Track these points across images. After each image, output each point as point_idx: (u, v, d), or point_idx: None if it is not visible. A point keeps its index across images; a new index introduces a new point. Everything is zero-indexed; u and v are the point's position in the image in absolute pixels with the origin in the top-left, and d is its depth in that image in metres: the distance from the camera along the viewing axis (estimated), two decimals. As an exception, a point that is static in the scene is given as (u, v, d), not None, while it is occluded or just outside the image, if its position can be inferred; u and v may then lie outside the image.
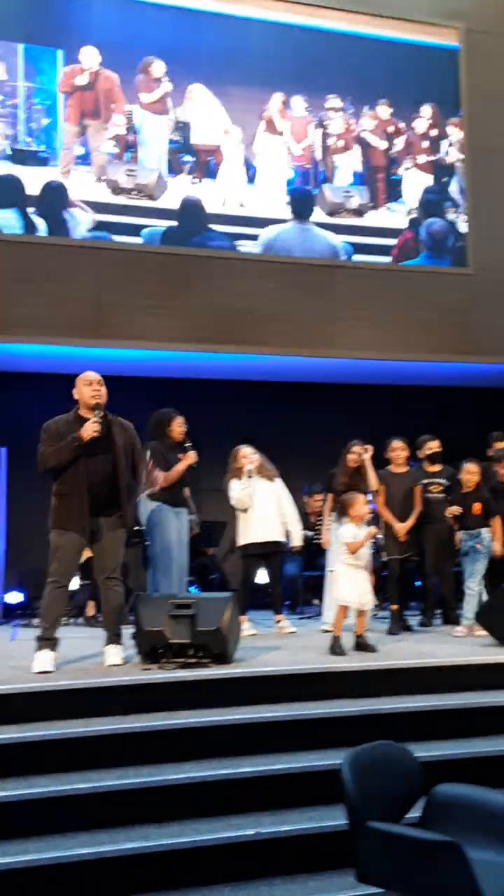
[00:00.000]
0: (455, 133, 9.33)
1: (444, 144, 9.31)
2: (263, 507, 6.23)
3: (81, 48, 8.18)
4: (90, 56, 8.19)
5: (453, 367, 9.15)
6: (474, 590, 5.91)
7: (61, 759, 3.63)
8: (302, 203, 8.75)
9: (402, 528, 6.25)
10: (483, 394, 9.69)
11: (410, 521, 6.30)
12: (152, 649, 4.54)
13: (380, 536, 5.07)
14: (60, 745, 3.66)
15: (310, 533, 7.47)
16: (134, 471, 4.87)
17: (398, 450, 6.44)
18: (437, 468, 6.65)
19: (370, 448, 6.36)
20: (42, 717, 3.83)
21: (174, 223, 8.31)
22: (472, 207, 9.22)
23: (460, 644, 5.44)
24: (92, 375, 4.76)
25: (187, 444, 6.01)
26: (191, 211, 8.38)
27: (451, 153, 9.31)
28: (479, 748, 3.96)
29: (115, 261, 8.05)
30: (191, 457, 5.95)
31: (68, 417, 4.74)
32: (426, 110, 9.24)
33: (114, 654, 4.69)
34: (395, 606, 6.19)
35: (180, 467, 5.94)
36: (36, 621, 7.43)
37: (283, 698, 4.16)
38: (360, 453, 6.29)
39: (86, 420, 4.65)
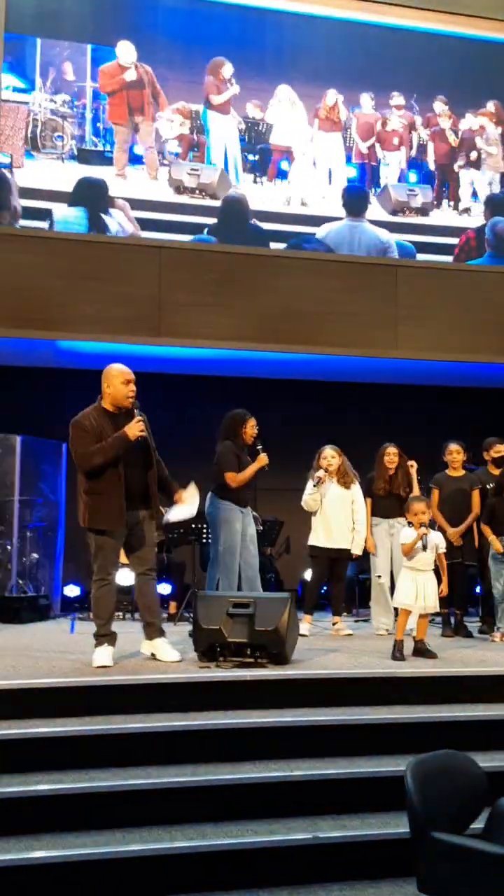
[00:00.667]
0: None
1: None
2: (333, 513, 6.18)
3: (118, 43, 8.16)
4: (128, 51, 8.18)
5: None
6: None
7: (118, 754, 3.65)
8: (356, 200, 8.67)
9: (454, 532, 6.14)
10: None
11: (464, 525, 6.20)
12: (210, 647, 4.54)
13: (437, 538, 5.01)
14: (118, 741, 3.69)
15: None
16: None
17: (454, 453, 6.35)
18: (498, 471, 6.52)
19: (413, 463, 6.40)
20: (102, 712, 3.86)
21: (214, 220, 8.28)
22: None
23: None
24: (129, 373, 4.65)
25: (259, 447, 5.99)
26: (233, 208, 8.34)
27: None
28: (544, 760, 3.85)
29: (175, 259, 8.09)
30: (263, 459, 5.92)
31: (95, 412, 4.61)
32: (491, 106, 9.06)
33: (168, 649, 4.69)
34: (444, 610, 6.08)
35: (252, 469, 5.91)
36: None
37: (341, 702, 4.12)
38: (395, 455, 6.29)
39: (114, 415, 4.60)
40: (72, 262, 7.83)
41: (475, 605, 7.24)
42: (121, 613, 7.35)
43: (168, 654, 4.67)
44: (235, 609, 4.57)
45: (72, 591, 8.13)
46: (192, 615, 4.99)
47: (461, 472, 6.40)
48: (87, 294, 7.80)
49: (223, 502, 5.93)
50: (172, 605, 7.35)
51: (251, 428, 6.05)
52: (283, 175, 8.54)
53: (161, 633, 4.75)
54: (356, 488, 6.27)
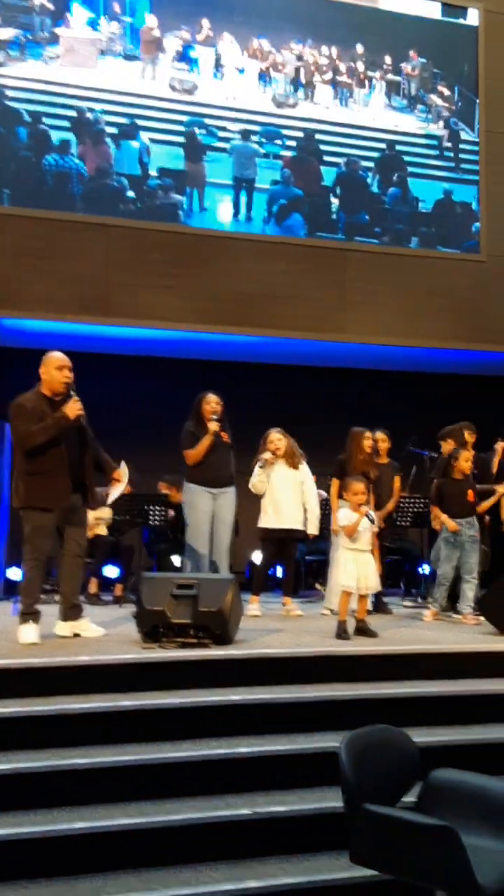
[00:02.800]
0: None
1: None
2: (282, 494, 6.22)
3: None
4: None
5: (462, 355, 9.10)
6: (476, 580, 6.02)
7: (59, 734, 3.64)
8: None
9: (380, 514, 6.24)
10: (491, 382, 9.65)
11: (386, 510, 6.40)
12: (153, 628, 4.55)
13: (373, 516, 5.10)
14: (58, 721, 3.68)
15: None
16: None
17: (380, 441, 6.51)
18: (439, 455, 6.70)
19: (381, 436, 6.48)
20: (40, 693, 3.84)
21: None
22: (486, 194, 9.13)
23: (461, 631, 5.44)
24: (65, 360, 4.76)
25: (213, 419, 6.02)
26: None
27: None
28: (477, 735, 3.97)
29: (123, 239, 8.00)
30: (211, 426, 5.97)
31: (35, 396, 4.69)
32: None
33: (93, 626, 4.87)
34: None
35: (204, 443, 5.97)
36: (43, 597, 7.48)
37: (282, 681, 4.17)
38: (374, 440, 6.37)
39: (52, 400, 4.68)
40: (17, 239, 7.70)
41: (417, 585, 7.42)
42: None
43: (94, 630, 4.83)
44: (179, 590, 4.59)
45: (16, 573, 8.03)
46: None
47: (386, 460, 6.61)
48: (32, 273, 7.68)
49: (188, 485, 6.07)
50: (118, 588, 7.34)
51: (207, 404, 6.09)
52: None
53: (79, 616, 4.90)
54: (304, 468, 6.32)
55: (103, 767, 3.49)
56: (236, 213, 8.47)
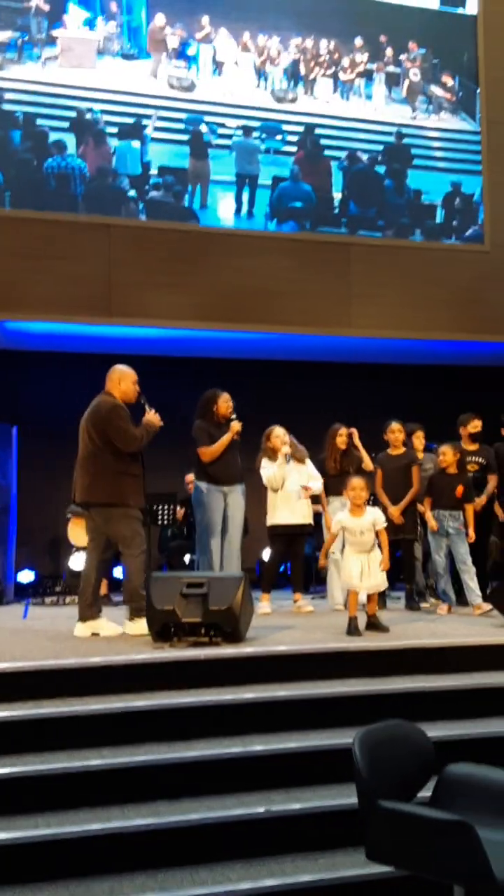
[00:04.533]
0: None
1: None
2: (290, 490, 6.21)
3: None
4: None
5: (467, 346, 9.06)
6: (472, 567, 6.02)
7: (72, 736, 3.63)
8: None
9: (395, 509, 6.22)
10: (497, 373, 9.60)
11: (404, 502, 6.29)
12: (164, 628, 4.54)
13: (377, 514, 5.10)
14: (72, 723, 3.67)
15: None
16: None
17: (396, 432, 6.44)
18: (475, 447, 6.65)
19: (353, 430, 6.50)
20: (53, 695, 3.83)
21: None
22: (489, 184, 9.08)
23: (473, 624, 5.42)
24: (134, 373, 5.21)
25: (233, 418, 6.09)
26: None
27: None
28: (492, 728, 3.94)
29: (125, 238, 7.99)
30: (234, 426, 6.07)
31: (118, 402, 5.10)
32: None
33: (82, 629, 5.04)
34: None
35: (224, 440, 6.03)
36: (48, 600, 7.50)
37: (295, 677, 4.15)
38: (347, 435, 6.38)
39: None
40: (19, 241, 7.69)
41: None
42: (76, 598, 7.31)
43: (111, 629, 5.03)
44: (189, 589, 4.57)
45: (26, 576, 8.05)
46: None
47: (402, 450, 6.49)
48: (35, 274, 7.68)
49: (200, 483, 6.10)
50: (104, 585, 7.30)
51: (223, 403, 6.14)
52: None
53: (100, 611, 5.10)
54: (310, 464, 6.32)
55: (117, 768, 3.48)
56: (238, 210, 8.45)
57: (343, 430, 6.47)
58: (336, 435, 6.46)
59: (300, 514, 6.23)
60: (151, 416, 5.16)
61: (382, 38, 8.97)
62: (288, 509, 6.22)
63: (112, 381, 5.20)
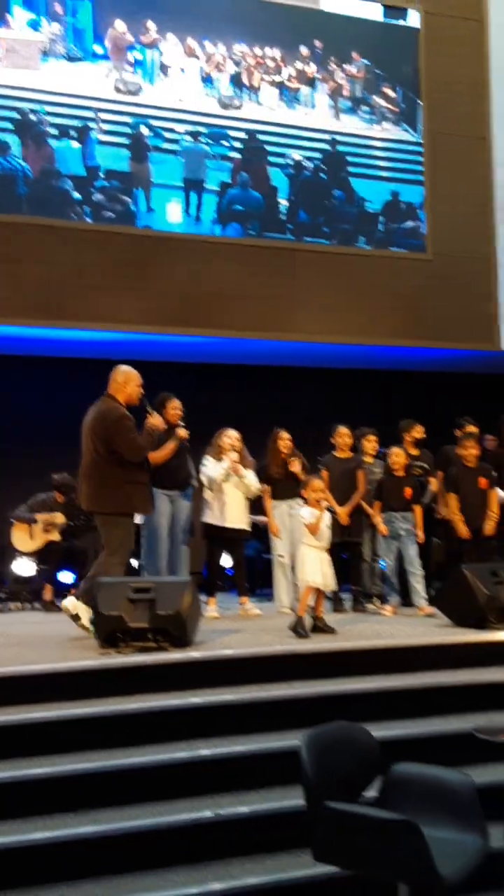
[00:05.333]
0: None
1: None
2: (231, 494, 6.22)
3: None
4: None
5: (410, 352, 9.22)
6: (420, 570, 6.15)
7: (19, 743, 3.59)
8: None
9: (342, 511, 6.30)
10: (438, 378, 9.80)
11: (350, 504, 6.37)
12: (111, 633, 4.51)
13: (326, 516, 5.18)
14: (17, 731, 3.63)
15: (263, 518, 7.48)
16: None
17: (343, 435, 6.51)
18: (417, 452, 6.77)
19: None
20: (1, 703, 3.78)
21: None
22: (431, 193, 9.26)
23: (417, 625, 5.51)
24: (138, 375, 5.14)
25: (179, 425, 6.09)
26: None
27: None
28: (435, 727, 4.02)
29: (70, 240, 7.93)
30: (180, 433, 6.06)
31: (121, 407, 5.01)
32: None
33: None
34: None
35: (169, 447, 6.00)
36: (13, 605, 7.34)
37: (243, 681, 4.17)
38: (289, 439, 6.42)
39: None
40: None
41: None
42: (20, 604, 7.22)
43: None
44: (136, 594, 4.55)
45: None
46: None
47: (349, 454, 6.57)
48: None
49: None
50: (73, 594, 7.24)
51: (172, 409, 6.15)
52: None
53: None
54: (251, 473, 6.32)
55: (63, 776, 3.45)
56: (186, 214, 8.45)
57: (284, 434, 6.49)
58: (278, 439, 6.48)
59: (237, 518, 6.24)
60: (154, 420, 5.10)
61: (326, 48, 9.08)
62: (222, 512, 6.23)
63: (116, 382, 5.06)
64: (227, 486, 6.20)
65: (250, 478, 6.25)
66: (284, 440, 6.48)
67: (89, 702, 3.86)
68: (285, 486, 6.42)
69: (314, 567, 5.10)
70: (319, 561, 5.11)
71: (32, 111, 8.04)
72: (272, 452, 6.49)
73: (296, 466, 6.36)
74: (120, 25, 8.35)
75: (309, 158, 8.97)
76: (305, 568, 5.19)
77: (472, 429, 6.97)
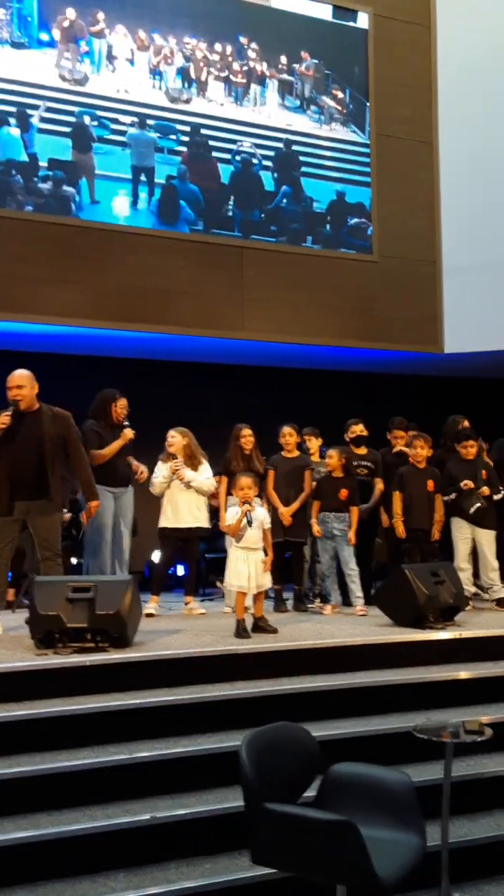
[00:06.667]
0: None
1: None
2: (181, 494, 6.15)
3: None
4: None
5: (355, 353, 9.27)
6: (355, 570, 6.18)
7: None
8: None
9: (286, 511, 6.30)
10: (382, 379, 9.88)
11: (295, 504, 6.36)
12: (48, 634, 4.41)
13: (262, 514, 5.14)
14: None
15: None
16: (68, 458, 5.08)
17: (287, 435, 6.51)
18: (363, 451, 6.77)
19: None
20: None
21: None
22: (378, 195, 9.33)
23: (358, 624, 5.53)
24: (11, 380, 4.99)
25: (125, 424, 6.04)
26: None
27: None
28: (375, 726, 4.03)
29: (14, 230, 7.74)
30: (127, 434, 6.01)
31: None
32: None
33: None
34: (278, 587, 6.25)
35: (115, 445, 5.97)
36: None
37: (182, 682, 4.13)
38: (251, 436, 6.37)
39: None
40: None
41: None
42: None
43: None
44: (75, 594, 4.46)
45: None
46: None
47: (295, 454, 6.58)
48: None
49: None
50: (10, 593, 7.08)
51: (120, 407, 6.12)
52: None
53: None
54: (203, 469, 6.27)
55: (-4, 780, 3.35)
56: (132, 207, 8.34)
57: (247, 431, 6.43)
58: (240, 436, 6.41)
59: (190, 517, 6.19)
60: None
61: (276, 45, 9.06)
62: (175, 513, 6.17)
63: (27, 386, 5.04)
64: (179, 487, 6.13)
65: (199, 478, 6.18)
66: (246, 436, 6.40)
67: (24, 704, 3.76)
68: None
69: (240, 570, 5.04)
70: (247, 563, 5.05)
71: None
72: (233, 448, 6.41)
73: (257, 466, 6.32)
74: (70, 13, 8.19)
75: (255, 156, 8.93)
76: (229, 570, 5.15)
77: (402, 433, 7.06)
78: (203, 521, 6.26)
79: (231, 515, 5.12)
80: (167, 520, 6.18)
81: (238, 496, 5.14)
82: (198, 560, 7.63)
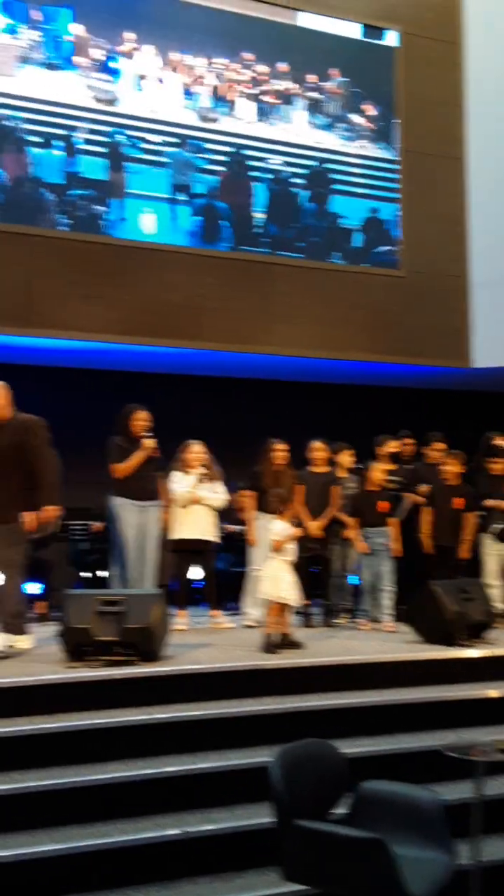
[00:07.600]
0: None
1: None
2: (197, 507, 6.17)
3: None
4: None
5: (382, 367, 9.28)
6: (390, 587, 6.16)
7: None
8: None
9: (315, 525, 6.30)
10: (410, 394, 9.87)
11: (325, 519, 6.35)
12: (78, 647, 4.46)
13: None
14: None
15: (237, 528, 7.45)
16: (33, 467, 4.87)
17: (316, 450, 6.51)
18: (393, 467, 6.77)
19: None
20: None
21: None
22: (406, 211, 9.36)
23: (386, 641, 5.52)
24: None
25: (145, 436, 6.04)
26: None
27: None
28: (404, 744, 4.02)
29: (46, 248, 7.88)
30: (146, 444, 5.99)
31: None
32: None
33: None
34: (307, 601, 6.23)
35: (136, 458, 5.97)
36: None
37: (211, 696, 4.14)
38: (284, 451, 6.35)
39: None
40: None
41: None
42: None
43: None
44: (105, 607, 4.51)
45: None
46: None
47: (324, 469, 6.57)
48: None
49: (115, 498, 6.03)
50: (40, 605, 7.15)
51: (139, 420, 6.11)
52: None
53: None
54: (220, 485, 6.29)
55: (26, 793, 3.39)
56: (163, 225, 8.44)
57: (279, 445, 6.38)
58: (272, 450, 6.37)
59: (200, 530, 6.20)
60: None
61: (304, 64, 9.15)
62: (187, 524, 6.19)
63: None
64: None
65: (213, 496, 6.21)
66: (278, 451, 6.37)
67: (54, 717, 3.80)
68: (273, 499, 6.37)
69: (270, 582, 5.06)
70: (278, 575, 5.06)
71: (8, 118, 7.99)
72: (265, 463, 6.40)
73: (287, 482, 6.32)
74: (99, 35, 8.35)
75: (286, 173, 9.01)
76: (278, 583, 5.16)
77: (440, 445, 7.02)
78: (212, 534, 6.26)
79: (281, 529, 5.14)
80: (179, 531, 6.19)
81: (283, 511, 5.17)
82: (222, 572, 7.67)
